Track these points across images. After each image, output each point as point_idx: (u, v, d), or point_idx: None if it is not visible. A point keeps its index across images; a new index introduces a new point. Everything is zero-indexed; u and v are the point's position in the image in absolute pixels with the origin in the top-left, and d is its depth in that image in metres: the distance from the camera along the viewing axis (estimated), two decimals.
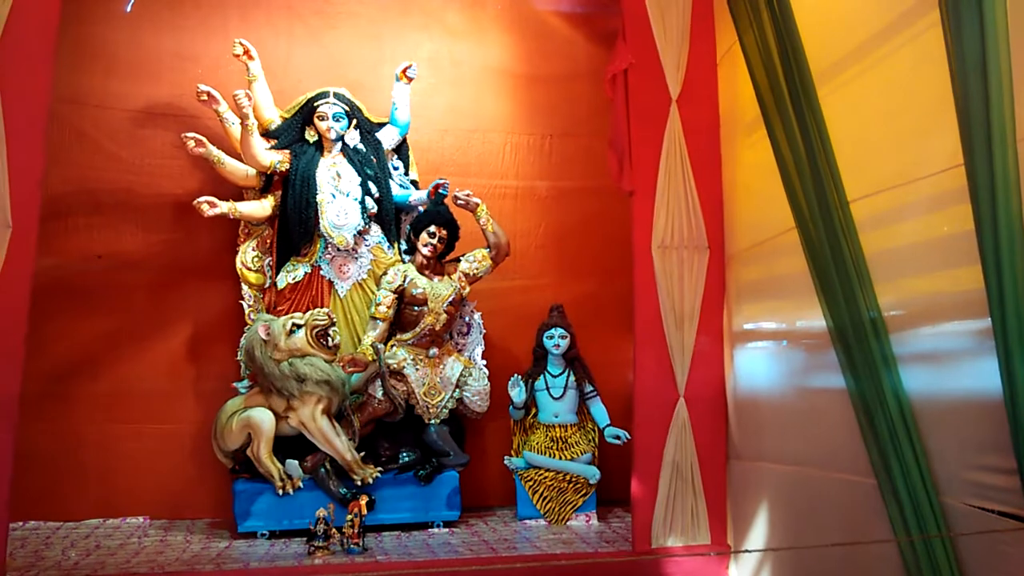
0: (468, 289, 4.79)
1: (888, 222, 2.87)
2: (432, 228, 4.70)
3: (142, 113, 4.93)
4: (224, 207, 4.50)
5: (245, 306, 4.71)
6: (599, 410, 4.77)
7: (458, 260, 4.81)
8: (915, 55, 2.73)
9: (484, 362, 4.86)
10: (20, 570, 3.57)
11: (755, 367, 3.79)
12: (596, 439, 4.81)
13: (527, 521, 4.62)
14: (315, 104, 4.80)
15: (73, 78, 4.65)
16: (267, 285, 4.76)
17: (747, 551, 3.66)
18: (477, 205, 4.66)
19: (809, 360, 3.37)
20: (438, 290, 4.68)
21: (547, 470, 4.65)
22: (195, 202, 4.45)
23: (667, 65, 4.03)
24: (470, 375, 4.71)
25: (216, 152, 4.58)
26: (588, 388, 4.81)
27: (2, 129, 3.46)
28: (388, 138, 5.00)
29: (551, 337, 4.81)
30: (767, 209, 3.59)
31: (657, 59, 4.03)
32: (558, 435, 4.75)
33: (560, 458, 4.67)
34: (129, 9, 4.97)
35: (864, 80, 3.02)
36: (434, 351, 4.71)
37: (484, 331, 4.96)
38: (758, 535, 3.60)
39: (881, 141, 2.93)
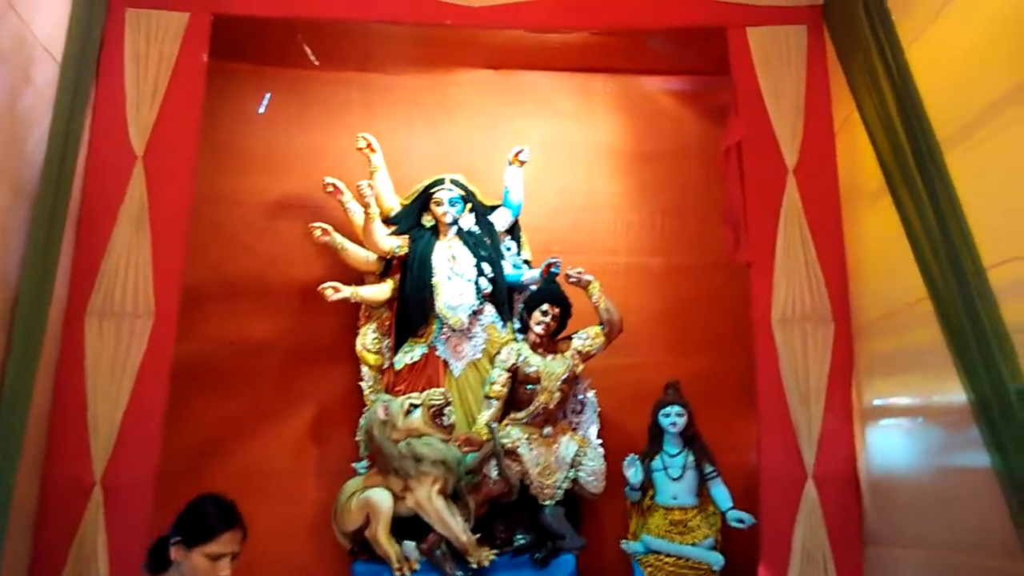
0: (582, 367, 4.75)
1: None
2: (545, 306, 4.73)
3: (273, 205, 5.25)
4: (347, 291, 4.70)
5: (364, 387, 4.83)
6: (721, 492, 4.54)
7: (571, 338, 4.80)
8: None
9: (599, 441, 4.75)
10: None
11: (890, 445, 3.57)
12: (718, 523, 4.57)
13: None
14: (431, 191, 5.01)
15: (211, 176, 4.92)
16: (385, 366, 4.88)
17: None
18: (589, 282, 4.67)
19: (949, 437, 3.14)
20: (552, 368, 4.67)
21: (667, 555, 4.45)
22: (320, 288, 4.66)
23: (782, 136, 4.02)
24: (585, 455, 4.62)
25: (340, 239, 4.82)
26: (708, 468, 4.60)
27: (148, 227, 3.81)
28: (501, 220, 5.13)
29: (667, 415, 4.67)
30: (896, 279, 3.44)
31: (771, 131, 4.02)
32: (677, 518, 4.55)
33: (680, 542, 4.45)
34: (262, 111, 5.38)
35: (995, 142, 2.89)
36: (548, 430, 4.67)
37: (599, 409, 4.88)
38: None
39: (1018, 203, 2.77)
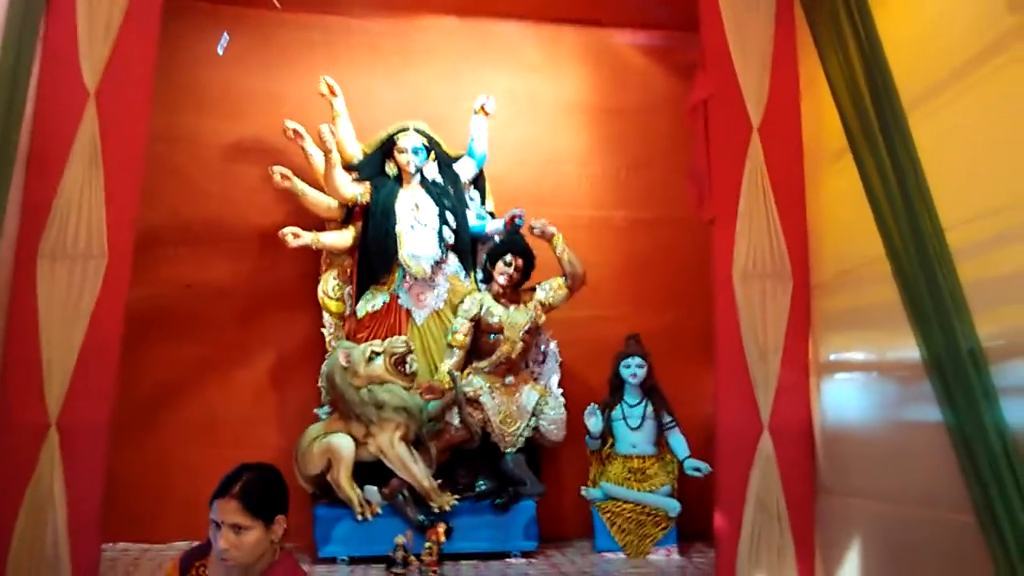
0: (544, 317, 4.80)
1: (986, 249, 2.77)
2: (508, 257, 4.74)
3: (232, 148, 5.13)
4: (307, 238, 4.64)
5: (326, 334, 4.82)
6: (678, 441, 4.68)
7: (534, 289, 4.83)
8: (1013, 78, 2.66)
9: (560, 391, 4.83)
10: None
11: (844, 399, 3.67)
12: (675, 471, 4.71)
13: (605, 554, 4.54)
14: (395, 138, 4.94)
15: (168, 117, 4.76)
16: (347, 313, 4.86)
17: None
18: (553, 234, 4.68)
19: (902, 392, 3.25)
20: (514, 318, 4.70)
21: (625, 502, 4.58)
22: (280, 233, 4.59)
23: (748, 94, 4.00)
24: (546, 404, 4.69)
25: (300, 185, 4.74)
26: (667, 419, 4.73)
27: (101, 166, 3.66)
28: (465, 170, 5.09)
29: (628, 366, 4.76)
30: (855, 237, 3.51)
31: (738, 88, 4.00)
32: (636, 466, 4.68)
33: (638, 490, 4.59)
34: (221, 52, 5.20)
35: (958, 105, 2.95)
36: (510, 379, 4.72)
37: (560, 360, 4.94)
38: (849, 573, 3.46)
39: (978, 167, 2.84)
